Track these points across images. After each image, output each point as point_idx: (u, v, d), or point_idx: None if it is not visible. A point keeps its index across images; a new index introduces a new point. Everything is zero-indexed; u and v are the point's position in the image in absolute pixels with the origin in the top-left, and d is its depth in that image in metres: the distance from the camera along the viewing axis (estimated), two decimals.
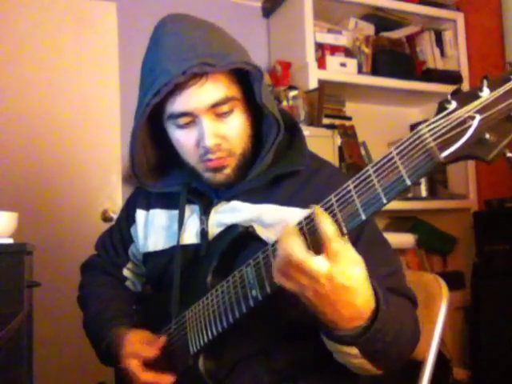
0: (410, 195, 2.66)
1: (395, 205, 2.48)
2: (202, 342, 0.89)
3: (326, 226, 0.66)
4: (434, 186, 2.77)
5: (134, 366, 0.94)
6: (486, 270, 2.40)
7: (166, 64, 0.84)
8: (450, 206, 2.78)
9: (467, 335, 2.50)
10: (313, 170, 0.96)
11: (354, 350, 0.74)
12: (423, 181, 2.70)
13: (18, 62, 2.33)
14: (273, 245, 0.75)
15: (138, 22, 2.37)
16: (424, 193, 2.71)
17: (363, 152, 2.69)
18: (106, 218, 2.39)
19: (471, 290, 2.47)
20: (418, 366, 1.05)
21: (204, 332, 0.88)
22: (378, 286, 0.74)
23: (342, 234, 0.66)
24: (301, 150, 0.98)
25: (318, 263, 0.65)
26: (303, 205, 0.89)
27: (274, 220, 0.92)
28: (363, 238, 0.91)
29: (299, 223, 0.71)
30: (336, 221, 0.67)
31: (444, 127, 0.57)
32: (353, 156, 2.59)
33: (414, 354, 1.02)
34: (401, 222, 2.89)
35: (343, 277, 0.66)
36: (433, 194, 2.74)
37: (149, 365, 0.95)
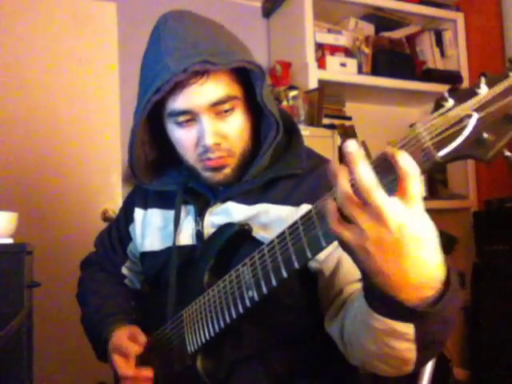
0: None
1: None
2: (199, 341, 0.89)
3: (407, 163, 0.53)
4: (434, 185, 2.77)
5: (115, 360, 0.95)
6: (486, 270, 2.40)
7: (167, 61, 0.83)
8: (450, 206, 2.78)
9: (467, 335, 2.50)
10: (308, 169, 0.95)
11: (410, 329, 0.62)
12: (423, 181, 2.70)
13: (18, 62, 2.33)
14: (268, 244, 0.75)
15: (137, 22, 2.37)
16: (424, 193, 2.71)
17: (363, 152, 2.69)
18: (106, 218, 2.39)
19: (471, 290, 2.47)
20: None
21: (201, 332, 0.88)
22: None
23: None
24: (298, 153, 0.96)
25: (387, 200, 0.53)
26: (298, 203, 0.89)
27: (270, 219, 0.91)
28: None
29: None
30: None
31: (441, 126, 0.55)
32: None
33: None
34: None
35: (420, 225, 0.55)
36: (433, 193, 2.74)
37: (145, 363, 0.95)
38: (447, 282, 0.59)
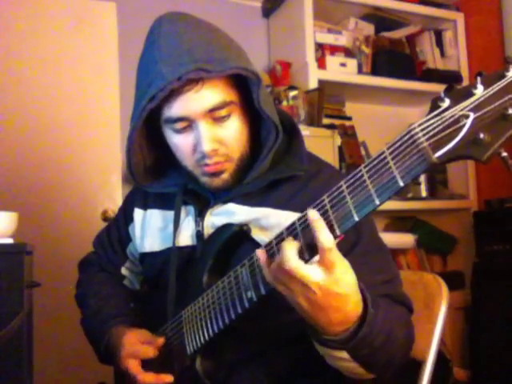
0: (409, 195, 2.66)
1: (395, 205, 2.48)
2: (198, 342, 0.89)
3: (323, 234, 0.65)
4: (434, 185, 2.76)
5: (133, 366, 0.94)
6: (486, 270, 2.40)
7: (162, 68, 0.83)
8: (450, 206, 2.78)
9: (467, 335, 2.50)
10: (311, 173, 0.95)
11: (345, 354, 0.74)
12: (423, 181, 2.70)
13: (18, 62, 2.33)
14: (267, 245, 0.75)
15: (137, 22, 2.36)
16: (424, 193, 2.71)
17: (363, 152, 2.69)
18: (106, 217, 2.39)
19: (471, 290, 2.47)
20: (418, 365, 1.05)
21: (201, 332, 0.88)
22: (366, 290, 0.74)
23: (335, 236, 0.66)
24: (299, 155, 0.96)
25: (311, 272, 0.66)
26: (300, 209, 0.88)
27: (270, 224, 0.91)
28: (361, 243, 0.90)
29: (292, 224, 0.71)
30: (329, 222, 0.66)
31: (437, 126, 0.55)
32: (353, 156, 2.59)
33: (413, 354, 1.02)
34: (401, 222, 2.88)
35: (337, 285, 0.67)
36: (433, 194, 2.74)
37: (146, 365, 0.95)
38: (364, 314, 0.72)
